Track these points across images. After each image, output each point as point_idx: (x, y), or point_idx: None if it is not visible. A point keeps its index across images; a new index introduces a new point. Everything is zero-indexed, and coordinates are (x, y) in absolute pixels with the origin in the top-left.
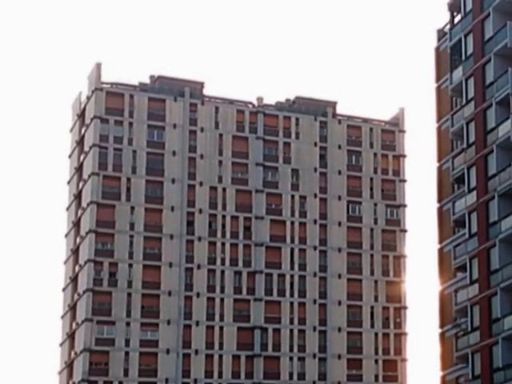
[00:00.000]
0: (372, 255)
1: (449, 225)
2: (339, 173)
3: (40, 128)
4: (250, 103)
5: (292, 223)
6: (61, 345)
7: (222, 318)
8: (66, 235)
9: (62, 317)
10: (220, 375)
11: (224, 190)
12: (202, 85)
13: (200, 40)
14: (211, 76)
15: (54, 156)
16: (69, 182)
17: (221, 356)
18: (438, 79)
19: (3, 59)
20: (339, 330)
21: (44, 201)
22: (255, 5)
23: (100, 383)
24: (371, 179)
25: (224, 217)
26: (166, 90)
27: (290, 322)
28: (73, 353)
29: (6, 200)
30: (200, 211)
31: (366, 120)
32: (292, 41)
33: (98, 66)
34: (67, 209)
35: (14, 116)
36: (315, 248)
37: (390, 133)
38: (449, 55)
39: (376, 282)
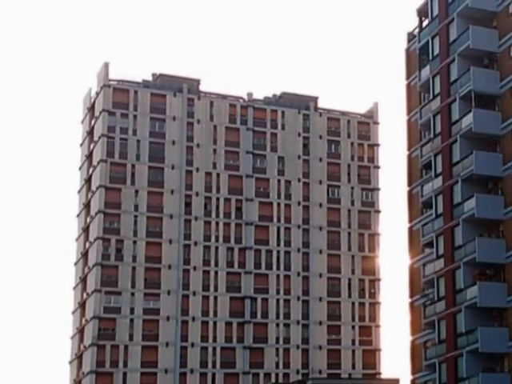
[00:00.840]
0: (349, 233)
1: (417, 206)
2: (320, 160)
3: (55, 120)
4: (241, 98)
5: (278, 204)
6: (73, 313)
7: (216, 289)
8: (78, 215)
9: (74, 288)
10: (214, 339)
11: (218, 175)
12: (198, 82)
13: (197, 42)
14: (206, 74)
15: (67, 145)
16: (80, 168)
17: (215, 322)
18: (408, 77)
19: (22, 60)
20: (320, 299)
21: (58, 185)
22: (246, 13)
23: (108, 347)
24: (348, 165)
25: (218, 199)
26: (167, 87)
27: (276, 293)
28: (83, 320)
29: (24, 184)
30: (196, 194)
31: (343, 113)
32: (279, 42)
33: (106, 65)
34: (78, 192)
35: (31, 109)
36: (299, 227)
37: (366, 124)
38: (417, 55)
39: (353, 256)
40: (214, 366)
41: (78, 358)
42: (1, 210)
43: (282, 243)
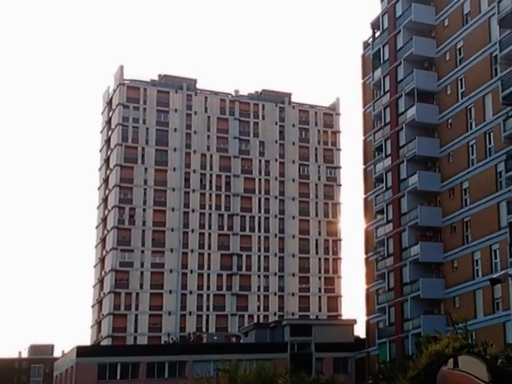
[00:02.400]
0: (316, 203)
1: (371, 181)
2: (293, 144)
3: (80, 111)
4: (230, 94)
5: (259, 180)
6: (94, 266)
7: (209, 247)
8: (99, 188)
9: (96, 246)
10: (208, 288)
11: (211, 156)
12: (195, 81)
13: (193, 50)
14: (202, 74)
15: (90, 132)
16: (100, 150)
17: (208, 274)
18: (363, 77)
19: (54, 63)
20: (293, 255)
21: (82, 164)
22: (233, 27)
23: (122, 294)
24: (316, 148)
25: (211, 175)
26: (170, 85)
27: (257, 250)
28: (103, 272)
29: (55, 162)
30: (194, 171)
31: (312, 106)
32: (261, 49)
33: (121, 68)
34: (99, 169)
35: (61, 103)
36: (276, 197)
37: (329, 115)
38: (371, 60)
39: (319, 221)
40: (207, 309)
41: (99, 302)
42: (39, 185)
43: (262, 211)
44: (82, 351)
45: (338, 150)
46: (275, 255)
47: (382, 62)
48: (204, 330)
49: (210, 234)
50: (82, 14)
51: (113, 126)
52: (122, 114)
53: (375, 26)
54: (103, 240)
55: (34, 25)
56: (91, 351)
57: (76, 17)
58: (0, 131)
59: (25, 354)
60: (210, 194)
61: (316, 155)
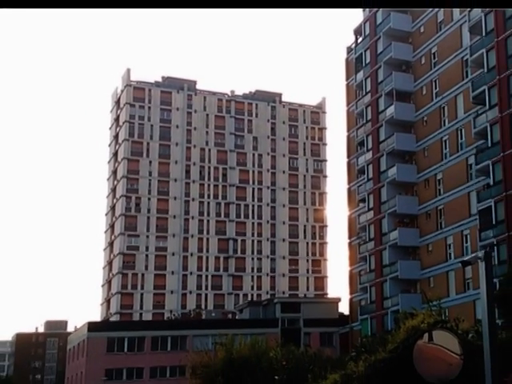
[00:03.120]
0: (304, 192)
1: (354, 172)
2: (283, 139)
3: (91, 110)
4: (226, 94)
5: (253, 172)
6: (104, 250)
7: (208, 233)
8: (108, 179)
9: (105, 232)
10: (207, 269)
11: (209, 150)
12: (195, 82)
13: (193, 54)
14: (201, 76)
15: (100, 128)
16: (109, 145)
17: (207, 257)
18: (347, 78)
19: (69, 67)
20: (283, 240)
21: (93, 157)
22: (229, 34)
23: (129, 274)
24: (304, 143)
25: (209, 167)
26: (172, 86)
27: (251, 235)
28: (112, 255)
29: (69, 155)
30: (194, 163)
31: (300, 105)
32: (254, 55)
33: (128, 71)
34: (108, 162)
35: (75, 103)
36: (268, 187)
37: (316, 113)
38: (354, 63)
39: (307, 209)
40: (206, 288)
41: (108, 282)
42: (54, 176)
43: (255, 199)
44: (92, 326)
45: (324, 144)
46: (267, 240)
47: (363, 65)
48: (203, 307)
49: (208, 221)
50: (94, 23)
51: (120, 123)
52: (129, 112)
53: (357, 32)
54: (112, 226)
55: (52, 33)
56: (101, 326)
57: (88, 25)
58: (21, 128)
59: (41, 329)
60: (209, 185)
61: (304, 149)
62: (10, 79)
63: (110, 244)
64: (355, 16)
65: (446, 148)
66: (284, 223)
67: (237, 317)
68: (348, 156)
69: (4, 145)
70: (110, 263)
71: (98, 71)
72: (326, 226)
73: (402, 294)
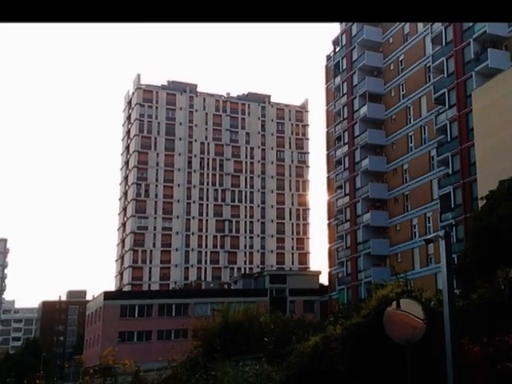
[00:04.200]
0: (290, 180)
1: (333, 163)
2: (272, 134)
3: (107, 110)
4: (223, 96)
5: (246, 162)
6: (118, 229)
7: (207, 214)
8: (121, 169)
9: (119, 214)
10: (206, 246)
11: (208, 144)
12: (196, 86)
13: (194, 61)
14: (201, 80)
15: (114, 125)
16: (122, 140)
17: (206, 236)
18: (326, 82)
19: (90, 73)
20: (272, 221)
21: (108, 150)
22: (224, 43)
23: (139, 251)
24: (289, 138)
25: (208, 159)
26: (176, 88)
27: (244, 217)
28: (124, 234)
29: (88, 150)
30: (195, 155)
31: (287, 105)
32: (248, 62)
33: (138, 76)
34: (121, 154)
35: (94, 104)
36: (258, 176)
37: (300, 112)
38: (332, 69)
39: (292, 195)
40: (205, 262)
41: (121, 258)
42: (77, 167)
43: (248, 186)
44: (108, 295)
45: (307, 139)
46: (258, 221)
47: (340, 71)
48: (203, 278)
49: (207, 205)
50: (110, 35)
51: (132, 121)
52: (139, 111)
53: (335, 43)
54: (124, 209)
55: (75, 45)
56: (115, 295)
57: (105, 37)
58: (49, 126)
59: (64, 298)
60: (208, 174)
61: (290, 143)
62: (45, 84)
63: (123, 225)
64: (333, 29)
65: (411, 142)
66: (272, 207)
67: (232, 287)
68: (327, 149)
69: (37, 140)
70: (122, 241)
71: (113, 77)
72: (309, 209)
73: (373, 268)
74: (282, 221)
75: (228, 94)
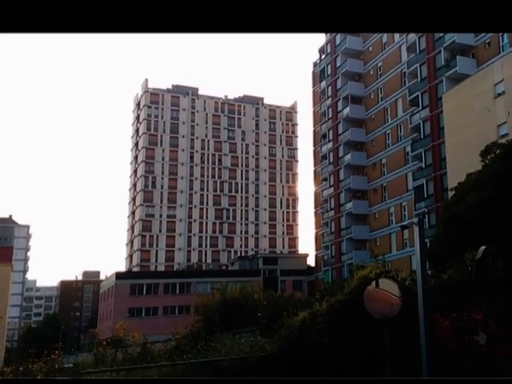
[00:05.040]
0: (281, 173)
1: (319, 158)
2: (265, 132)
3: (118, 111)
4: (221, 98)
5: (241, 157)
6: (128, 217)
7: (207, 204)
8: (131, 163)
9: (129, 203)
10: (206, 231)
11: (208, 141)
12: (197, 89)
13: (196, 67)
14: (202, 84)
15: (125, 124)
16: (132, 137)
17: (206, 222)
18: (313, 86)
19: (105, 79)
20: (265, 209)
21: (120, 146)
22: (223, 51)
23: (147, 236)
24: (280, 136)
25: (208, 154)
26: (180, 92)
27: (240, 206)
28: (134, 221)
29: (102, 146)
30: (196, 151)
31: (278, 106)
32: (243, 67)
33: (146, 80)
34: (131, 150)
35: (108, 105)
36: (253, 169)
37: (290, 113)
38: (319, 75)
39: (283, 186)
40: (206, 246)
41: (131, 242)
42: (94, 162)
43: (243, 178)
44: (119, 275)
45: (296, 137)
46: (252, 209)
47: (326, 76)
48: (203, 260)
49: (207, 195)
50: (123, 45)
51: (140, 121)
52: (147, 112)
53: (321, 51)
54: (134, 199)
55: (91, 51)
56: (125, 275)
57: (118, 47)
58: (71, 129)
59: (80, 278)
60: (208, 167)
61: (281, 140)
62: (67, 87)
63: (133, 213)
64: (319, 39)
65: (388, 139)
66: (265, 197)
67: (229, 268)
68: (314, 145)
69: (57, 137)
70: (132, 227)
71: (123, 81)
72: (298, 198)
73: (355, 251)
74: (274, 209)
75: (226, 96)
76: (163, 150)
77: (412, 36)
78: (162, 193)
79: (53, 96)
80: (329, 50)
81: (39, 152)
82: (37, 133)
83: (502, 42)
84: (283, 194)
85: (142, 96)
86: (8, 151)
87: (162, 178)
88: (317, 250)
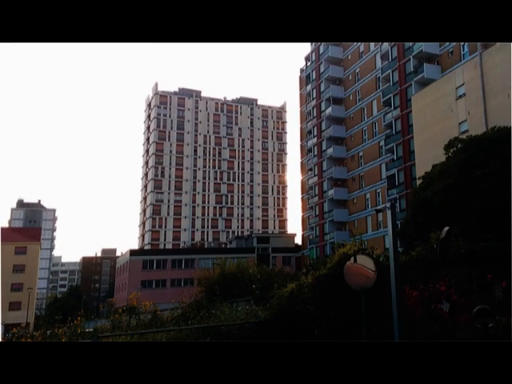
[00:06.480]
0: (272, 164)
1: (305, 151)
2: (258, 129)
3: (132, 110)
4: (220, 99)
5: (238, 150)
6: (140, 202)
7: (208, 191)
8: (143, 155)
9: (141, 190)
10: (208, 215)
11: (209, 136)
12: (200, 92)
13: (199, 73)
14: (204, 88)
15: (137, 122)
16: (144, 133)
17: (208, 207)
18: (300, 89)
19: (122, 83)
20: (258, 195)
21: (133, 141)
22: (222, 57)
23: (157, 218)
24: (272, 132)
25: (209, 148)
26: (185, 94)
27: (237, 192)
28: (145, 205)
29: (118, 141)
30: (199, 145)
31: (270, 107)
32: (240, 72)
33: (156, 84)
34: (143, 144)
35: (123, 106)
36: (248, 161)
37: (280, 112)
38: (305, 79)
39: (274, 175)
40: (207, 227)
41: (143, 223)
42: (111, 157)
43: (240, 169)
44: (133, 252)
45: (285, 133)
46: (248, 195)
47: (311, 80)
48: (205, 239)
49: (209, 183)
50: (137, 53)
51: (151, 119)
52: (157, 111)
53: (307, 58)
54: (145, 186)
55: (108, 58)
56: (138, 252)
57: (133, 55)
58: (92, 129)
59: (99, 254)
60: (209, 159)
61: (272, 136)
62: (88, 91)
63: (144, 198)
64: (305, 47)
65: (365, 135)
66: (259, 184)
67: (228, 246)
68: (301, 140)
69: (78, 134)
70: (144, 211)
71: (136, 85)
72: (287, 186)
73: (336, 231)
74: (266, 195)
75: (225, 98)
76: (171, 144)
77: (385, 45)
78: (169, 181)
79: (80, 98)
80: (313, 58)
81: (67, 145)
82: (65, 129)
83: (463, 50)
84: (274, 182)
85: (152, 98)
86: (38, 145)
87: (170, 168)
88: (303, 230)
